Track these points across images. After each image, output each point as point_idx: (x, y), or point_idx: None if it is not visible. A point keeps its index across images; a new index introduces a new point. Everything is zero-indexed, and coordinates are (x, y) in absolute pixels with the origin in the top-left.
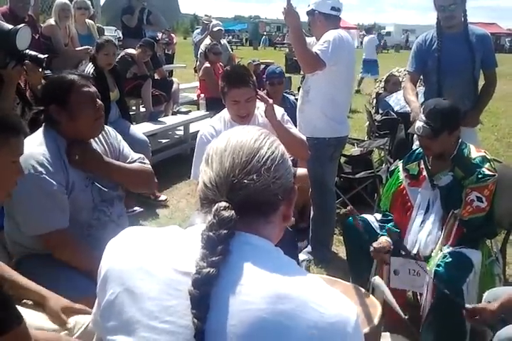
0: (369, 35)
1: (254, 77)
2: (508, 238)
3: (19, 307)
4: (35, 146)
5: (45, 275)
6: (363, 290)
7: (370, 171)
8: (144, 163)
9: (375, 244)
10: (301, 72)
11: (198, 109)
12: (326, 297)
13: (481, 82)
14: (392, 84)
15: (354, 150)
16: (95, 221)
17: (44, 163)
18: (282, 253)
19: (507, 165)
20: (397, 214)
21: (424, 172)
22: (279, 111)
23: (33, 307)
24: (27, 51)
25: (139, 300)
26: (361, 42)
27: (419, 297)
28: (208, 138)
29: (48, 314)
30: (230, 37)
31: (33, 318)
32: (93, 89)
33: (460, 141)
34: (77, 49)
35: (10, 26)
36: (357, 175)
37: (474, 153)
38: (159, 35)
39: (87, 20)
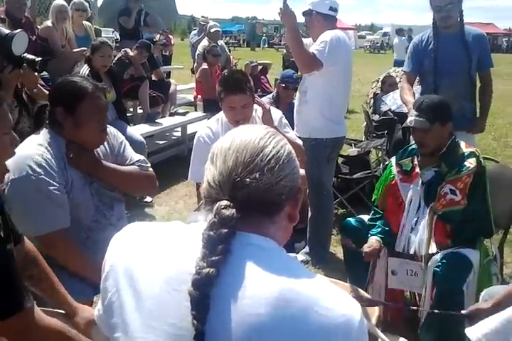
0: (400, 37)
1: (252, 82)
2: (506, 237)
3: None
4: (34, 146)
5: None
6: (360, 290)
7: (367, 171)
8: (144, 166)
9: (366, 248)
10: (299, 73)
11: (196, 110)
12: (331, 297)
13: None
14: (389, 86)
15: (351, 151)
16: (94, 223)
17: (42, 164)
18: (285, 253)
19: (504, 165)
20: (390, 210)
21: (417, 169)
22: (277, 114)
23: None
24: (24, 55)
25: (139, 298)
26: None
27: (417, 297)
28: (205, 139)
29: (74, 327)
30: (228, 38)
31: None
32: (104, 101)
33: (453, 138)
34: (73, 50)
35: (7, 31)
36: (354, 176)
37: (463, 148)
38: (157, 36)
39: (85, 22)
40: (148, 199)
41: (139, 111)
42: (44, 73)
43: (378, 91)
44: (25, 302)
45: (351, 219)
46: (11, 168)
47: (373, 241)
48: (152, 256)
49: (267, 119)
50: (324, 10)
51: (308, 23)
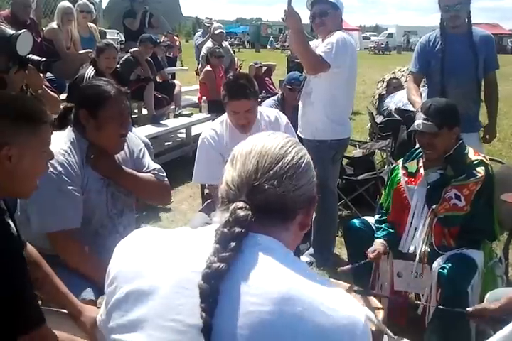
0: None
1: (257, 86)
2: (511, 239)
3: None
4: (58, 144)
5: None
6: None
7: (372, 173)
8: (160, 175)
9: (370, 254)
10: (304, 74)
11: (200, 112)
12: (335, 299)
13: None
14: (394, 88)
15: (356, 152)
16: (102, 229)
17: (64, 163)
18: (293, 256)
19: (509, 166)
20: (396, 212)
21: (422, 170)
22: (283, 119)
23: (67, 318)
24: (30, 56)
25: (147, 298)
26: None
27: (422, 299)
28: (209, 141)
29: (80, 327)
30: (232, 39)
31: (65, 329)
32: (126, 106)
33: (460, 141)
34: (78, 52)
35: (12, 31)
36: (359, 177)
37: (472, 155)
38: (161, 38)
39: (90, 24)
40: None
41: (144, 112)
42: (49, 74)
43: (384, 92)
44: (39, 320)
45: (355, 221)
46: None
47: (378, 244)
48: (160, 258)
49: None
50: (342, 9)
51: (321, 21)
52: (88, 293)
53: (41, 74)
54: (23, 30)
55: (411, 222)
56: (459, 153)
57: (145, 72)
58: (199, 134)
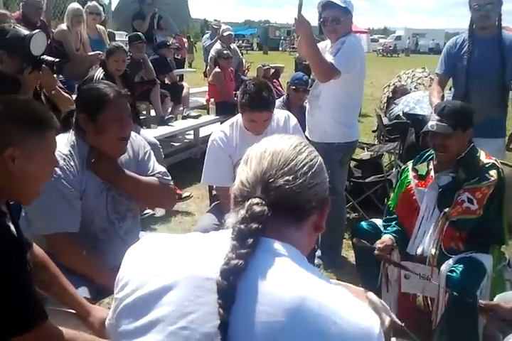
0: None
1: (274, 93)
2: None
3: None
4: (59, 148)
5: None
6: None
7: (380, 175)
8: (164, 179)
9: (379, 244)
10: (311, 76)
11: (208, 114)
12: (351, 309)
13: None
14: (400, 95)
15: (364, 155)
16: (102, 234)
17: (63, 167)
18: (307, 262)
19: None
20: (405, 214)
21: (432, 173)
22: (292, 121)
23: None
24: (44, 57)
25: (158, 304)
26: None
27: (429, 301)
28: (218, 143)
29: (88, 327)
30: (240, 41)
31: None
32: (127, 109)
33: (472, 144)
34: (88, 54)
35: (26, 32)
36: (367, 180)
37: (484, 159)
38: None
39: (98, 26)
40: (186, 193)
41: (152, 113)
42: (60, 76)
43: (391, 95)
44: (40, 318)
45: (363, 223)
46: None
47: (386, 238)
48: (172, 264)
49: None
50: (353, 12)
51: (333, 28)
52: (83, 291)
53: (55, 75)
54: (37, 31)
55: (420, 225)
56: (471, 156)
57: (149, 74)
58: (207, 136)
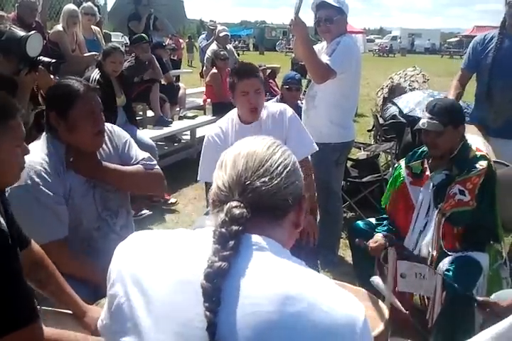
0: None
1: (261, 72)
2: None
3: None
4: (34, 154)
5: None
6: (370, 293)
7: (376, 175)
8: (149, 164)
9: (371, 244)
10: (307, 77)
11: (205, 114)
12: (335, 297)
13: None
14: (398, 94)
15: (360, 154)
16: (96, 232)
17: (42, 174)
18: (289, 254)
19: None
20: (399, 212)
21: (428, 172)
22: (289, 112)
23: (72, 319)
24: (40, 58)
25: (148, 303)
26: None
27: (426, 301)
28: (214, 139)
29: (84, 328)
30: (236, 42)
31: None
32: (97, 102)
33: (464, 141)
34: (84, 55)
35: (22, 33)
36: (363, 179)
37: (474, 151)
38: (166, 40)
39: (93, 27)
40: (172, 200)
41: (149, 114)
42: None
43: (387, 95)
44: (32, 316)
45: (360, 223)
46: None
47: (379, 237)
48: (160, 262)
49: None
50: (348, 13)
51: (326, 28)
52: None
53: (51, 76)
54: (33, 32)
55: (415, 223)
56: (463, 152)
57: (156, 74)
58: (204, 136)
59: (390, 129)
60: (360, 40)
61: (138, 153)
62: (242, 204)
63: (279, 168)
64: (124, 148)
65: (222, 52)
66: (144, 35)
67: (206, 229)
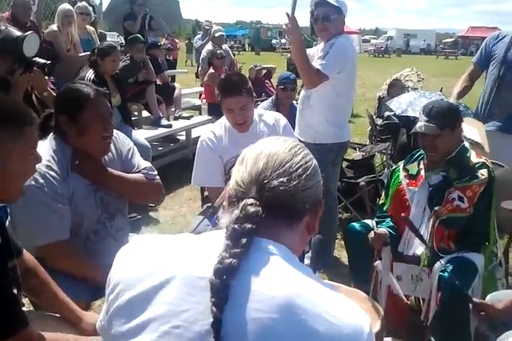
0: None
1: (250, 84)
2: (511, 242)
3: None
4: (40, 154)
5: None
6: (365, 294)
7: (372, 175)
8: (150, 174)
9: (377, 231)
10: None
11: (200, 114)
12: (340, 307)
13: None
14: (396, 89)
15: (356, 155)
16: (93, 234)
17: (46, 175)
18: (298, 261)
19: (510, 170)
20: (396, 213)
21: (423, 172)
22: (282, 121)
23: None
24: (35, 59)
25: (151, 305)
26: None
27: (421, 302)
28: (208, 143)
29: (80, 334)
30: (232, 42)
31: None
32: (107, 107)
33: (462, 144)
34: (79, 55)
35: (18, 33)
36: (359, 180)
37: (474, 158)
38: (162, 40)
39: (88, 27)
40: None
41: (144, 115)
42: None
43: (384, 95)
44: (19, 325)
45: (355, 224)
46: None
47: (383, 229)
48: (164, 265)
49: None
50: (346, 13)
51: (323, 26)
52: (80, 295)
53: (46, 77)
54: (29, 32)
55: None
56: (461, 155)
57: (150, 75)
58: (199, 137)
59: (385, 130)
60: (356, 40)
61: (140, 162)
62: (257, 203)
63: (299, 170)
64: (127, 155)
65: (218, 51)
66: (139, 35)
67: (213, 232)
